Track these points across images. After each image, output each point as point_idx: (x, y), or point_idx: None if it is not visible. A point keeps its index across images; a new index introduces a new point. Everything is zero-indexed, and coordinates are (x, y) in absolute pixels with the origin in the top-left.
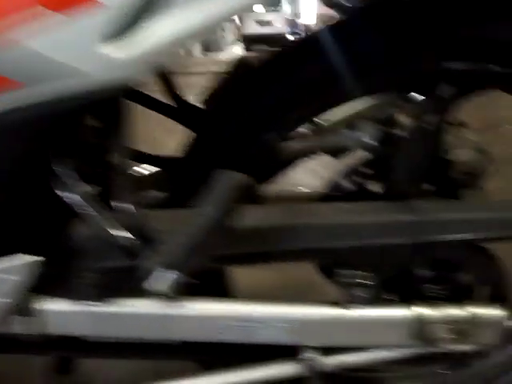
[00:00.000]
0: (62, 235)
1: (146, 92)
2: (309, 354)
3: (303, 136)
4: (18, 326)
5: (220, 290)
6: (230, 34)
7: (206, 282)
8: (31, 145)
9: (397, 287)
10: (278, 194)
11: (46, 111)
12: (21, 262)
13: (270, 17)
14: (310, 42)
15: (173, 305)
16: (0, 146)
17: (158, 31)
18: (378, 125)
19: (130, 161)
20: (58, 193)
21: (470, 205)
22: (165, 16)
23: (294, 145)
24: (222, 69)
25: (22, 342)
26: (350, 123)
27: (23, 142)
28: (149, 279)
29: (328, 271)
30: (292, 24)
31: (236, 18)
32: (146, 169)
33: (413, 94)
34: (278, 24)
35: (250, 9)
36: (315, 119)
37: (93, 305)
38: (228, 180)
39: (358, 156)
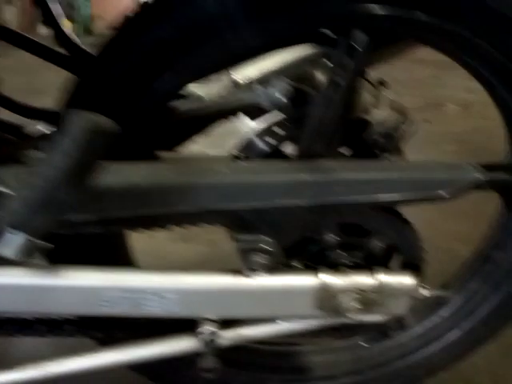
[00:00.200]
0: None
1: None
2: (206, 328)
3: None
4: None
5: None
6: None
7: (97, 250)
8: None
9: (303, 254)
10: (177, 157)
11: None
12: None
13: None
14: None
15: (43, 274)
16: None
17: None
18: (293, 82)
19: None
20: None
21: (380, 165)
22: None
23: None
24: None
25: None
26: (263, 80)
27: None
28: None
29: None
30: None
31: None
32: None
33: (326, 46)
34: None
35: None
36: (232, 76)
37: None
38: (81, 122)
39: (275, 116)
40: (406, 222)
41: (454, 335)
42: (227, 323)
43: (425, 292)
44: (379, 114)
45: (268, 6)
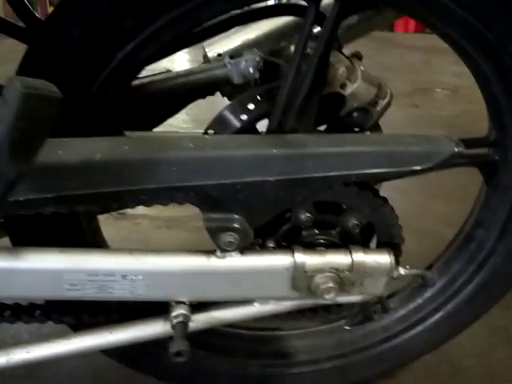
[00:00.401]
0: None
1: None
2: (178, 311)
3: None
4: None
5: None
6: None
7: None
8: None
9: (277, 233)
10: (142, 135)
11: None
12: None
13: None
14: None
15: (3, 256)
16: None
17: None
18: (265, 55)
19: None
20: None
21: (353, 138)
22: None
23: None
24: None
25: None
26: (235, 54)
27: None
28: None
29: None
30: None
31: None
32: None
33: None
34: None
35: None
36: (203, 50)
37: None
38: (17, 87)
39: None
40: (381, 198)
41: (438, 317)
42: (201, 306)
43: (402, 271)
44: (354, 88)
45: None
